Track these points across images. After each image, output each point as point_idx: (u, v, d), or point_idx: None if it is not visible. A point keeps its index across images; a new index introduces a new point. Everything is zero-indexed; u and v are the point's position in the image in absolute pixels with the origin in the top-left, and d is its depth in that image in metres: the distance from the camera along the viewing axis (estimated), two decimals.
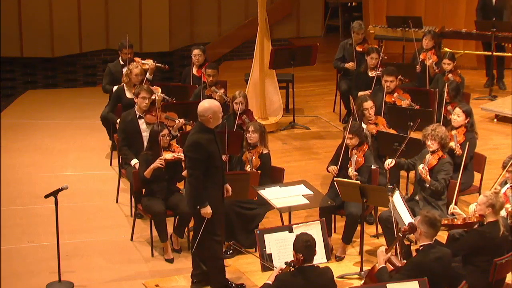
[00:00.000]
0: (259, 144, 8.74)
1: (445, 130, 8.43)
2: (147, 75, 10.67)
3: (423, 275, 6.51)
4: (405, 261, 6.90)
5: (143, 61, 10.85)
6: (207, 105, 7.37)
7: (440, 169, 8.22)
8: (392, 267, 6.85)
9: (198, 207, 7.36)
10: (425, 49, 11.61)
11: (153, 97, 9.60)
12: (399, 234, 6.99)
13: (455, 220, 7.29)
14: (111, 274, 8.09)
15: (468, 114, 9.08)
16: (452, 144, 8.70)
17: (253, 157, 8.66)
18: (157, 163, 8.41)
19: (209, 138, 7.34)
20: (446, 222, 7.31)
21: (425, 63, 11.32)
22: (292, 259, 6.50)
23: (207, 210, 7.36)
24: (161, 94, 10.18)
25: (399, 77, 10.36)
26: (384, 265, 6.84)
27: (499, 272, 6.90)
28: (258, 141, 8.74)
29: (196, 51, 11.16)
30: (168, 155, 8.50)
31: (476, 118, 9.47)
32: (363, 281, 7.52)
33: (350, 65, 11.66)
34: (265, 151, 8.77)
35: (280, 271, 6.52)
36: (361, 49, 11.64)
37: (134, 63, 10.59)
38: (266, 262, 6.96)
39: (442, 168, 8.23)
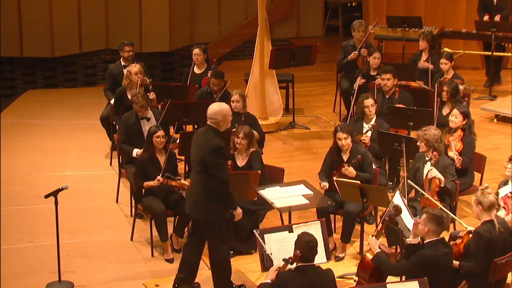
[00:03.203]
0: (246, 148, 8.57)
1: (436, 133, 8.26)
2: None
3: (430, 267, 6.53)
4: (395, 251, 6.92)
5: None
6: (217, 108, 7.23)
7: (445, 171, 8.16)
8: None
9: (231, 211, 7.32)
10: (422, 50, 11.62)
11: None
12: (385, 217, 6.98)
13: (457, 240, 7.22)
14: (111, 274, 8.09)
15: (466, 115, 9.04)
16: (451, 154, 8.66)
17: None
18: (155, 183, 8.35)
19: (223, 142, 7.25)
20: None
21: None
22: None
23: (238, 211, 7.35)
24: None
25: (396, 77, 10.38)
26: (379, 250, 6.85)
27: (499, 272, 6.90)
28: (246, 147, 8.56)
29: (196, 51, 11.14)
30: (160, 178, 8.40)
31: (476, 118, 9.47)
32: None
33: (352, 55, 11.61)
34: (253, 150, 8.60)
35: (278, 269, 6.50)
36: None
37: (132, 63, 10.55)
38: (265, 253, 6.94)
39: (447, 171, 8.17)
